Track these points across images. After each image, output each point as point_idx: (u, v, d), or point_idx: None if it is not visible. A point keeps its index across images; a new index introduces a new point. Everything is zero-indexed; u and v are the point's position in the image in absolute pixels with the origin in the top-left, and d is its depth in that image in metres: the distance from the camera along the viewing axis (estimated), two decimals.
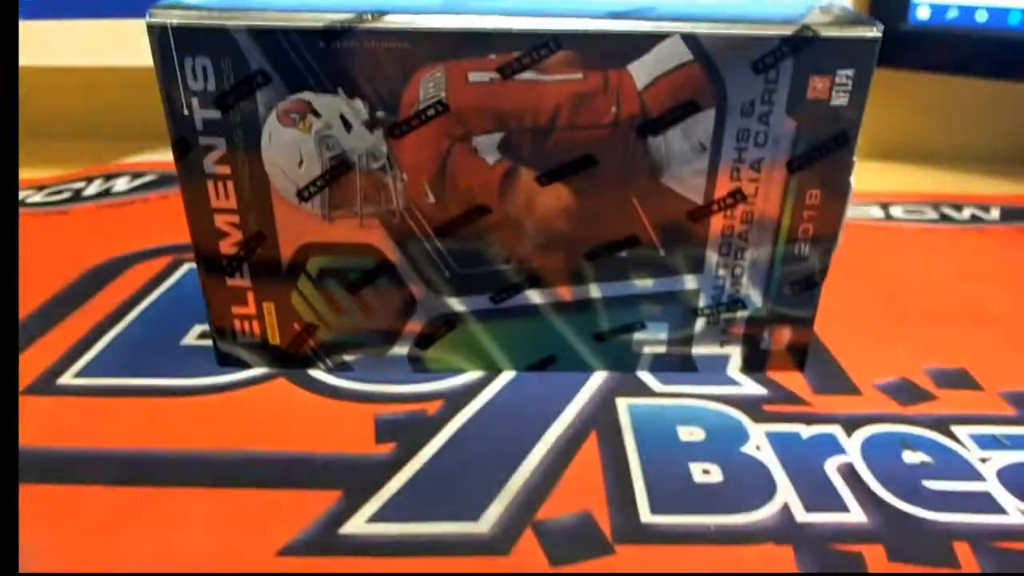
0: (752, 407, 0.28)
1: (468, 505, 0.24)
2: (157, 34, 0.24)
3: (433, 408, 0.28)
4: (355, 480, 0.25)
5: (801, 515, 0.24)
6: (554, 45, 0.24)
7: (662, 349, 0.30)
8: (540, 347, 0.30)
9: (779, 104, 0.25)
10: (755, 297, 0.29)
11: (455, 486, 0.25)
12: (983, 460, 0.26)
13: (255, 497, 0.24)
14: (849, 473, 0.25)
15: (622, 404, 0.28)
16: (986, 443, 0.27)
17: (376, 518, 0.23)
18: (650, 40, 0.24)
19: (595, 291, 0.28)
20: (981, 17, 0.49)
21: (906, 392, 0.30)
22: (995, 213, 0.48)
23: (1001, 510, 0.24)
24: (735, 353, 0.30)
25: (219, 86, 0.25)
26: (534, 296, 0.28)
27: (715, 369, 0.30)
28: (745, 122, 0.25)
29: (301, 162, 0.26)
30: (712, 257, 0.28)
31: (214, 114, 0.25)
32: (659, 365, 0.30)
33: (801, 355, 0.30)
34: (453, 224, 0.27)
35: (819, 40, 0.24)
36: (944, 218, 0.47)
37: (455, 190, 0.26)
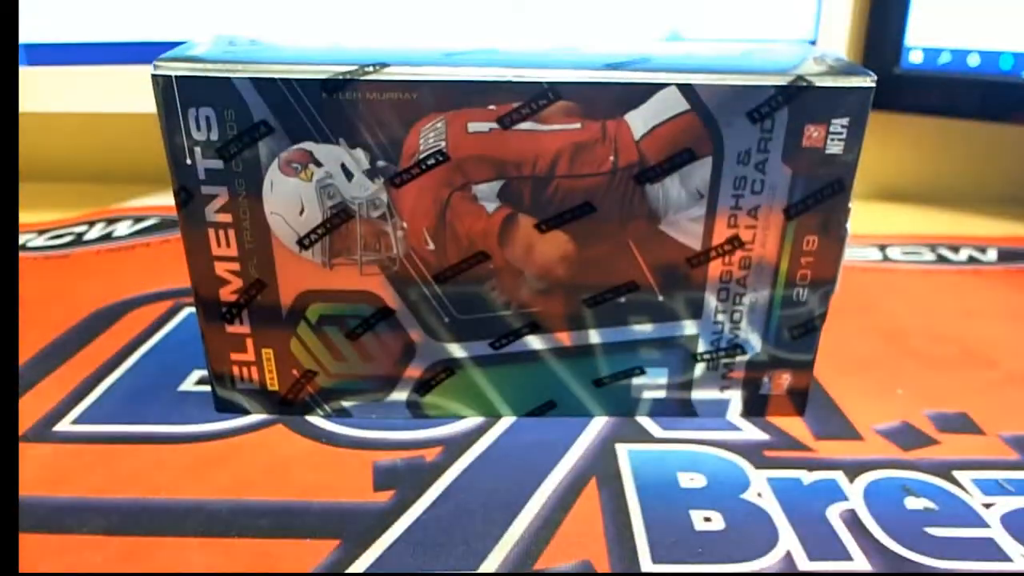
0: (753, 453, 0.28)
1: (467, 554, 0.24)
2: (161, 85, 0.24)
3: (432, 455, 0.28)
4: (354, 529, 0.25)
5: (804, 563, 0.23)
6: (552, 95, 0.25)
7: (662, 394, 0.30)
8: (540, 393, 0.30)
9: (775, 152, 0.26)
10: (754, 342, 0.29)
11: (454, 535, 0.24)
12: (986, 506, 0.26)
13: (253, 547, 0.24)
14: (852, 520, 0.25)
15: (622, 450, 0.28)
16: (989, 488, 0.27)
17: (375, 568, 0.23)
18: (647, 90, 0.25)
19: (595, 337, 0.28)
20: (973, 61, 0.49)
21: (907, 437, 0.30)
22: (992, 254, 0.48)
23: (1006, 557, 0.24)
24: (735, 398, 0.30)
25: (222, 136, 0.25)
26: (534, 342, 0.29)
27: (715, 414, 0.30)
28: (742, 170, 0.26)
29: (302, 211, 0.26)
30: (711, 302, 0.28)
31: (216, 163, 0.25)
32: (659, 410, 0.30)
33: (801, 400, 0.30)
34: (453, 271, 0.27)
35: (813, 90, 0.25)
36: (941, 259, 0.47)
37: (455, 237, 0.27)
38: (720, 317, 0.28)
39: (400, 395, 0.30)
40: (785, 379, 0.30)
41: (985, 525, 0.25)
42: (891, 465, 0.28)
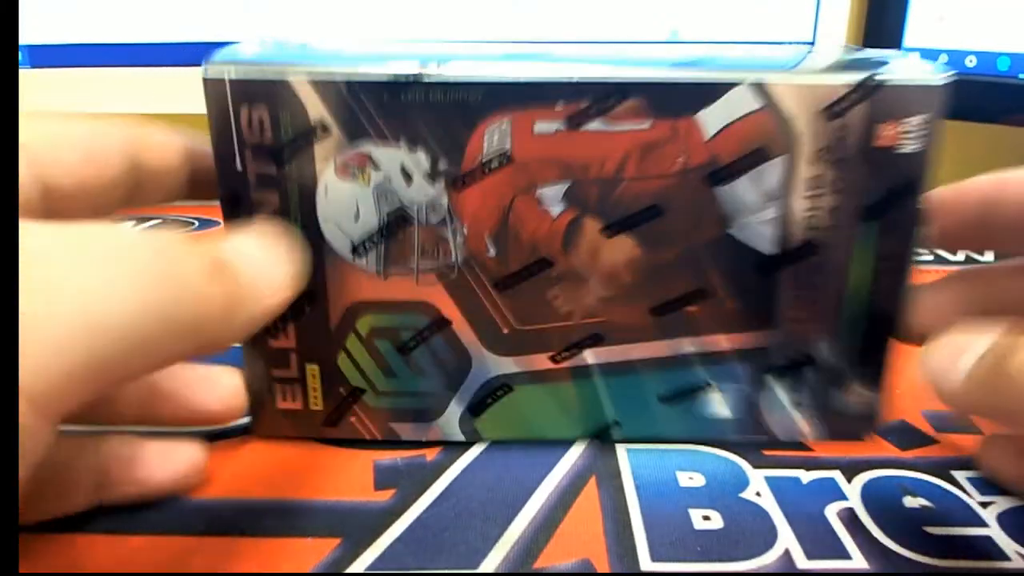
0: (752, 452, 0.28)
1: (467, 553, 0.24)
2: (213, 87, 0.24)
3: (432, 454, 0.28)
4: (354, 528, 0.25)
5: (802, 562, 0.23)
6: (621, 94, 0.24)
7: (732, 412, 0.28)
8: (602, 411, 0.28)
9: (850, 151, 0.25)
10: (828, 353, 0.27)
11: (454, 534, 0.24)
12: (984, 505, 0.26)
13: (253, 545, 0.24)
14: (850, 519, 0.25)
15: (621, 449, 0.28)
16: (987, 488, 0.27)
17: (375, 567, 0.23)
18: (718, 89, 0.24)
19: (661, 349, 0.27)
20: (970, 63, 0.50)
21: (906, 436, 0.30)
22: (989, 255, 0.48)
23: (1004, 556, 0.24)
24: (808, 415, 0.28)
25: (276, 139, 0.24)
26: (596, 355, 0.27)
27: (789, 434, 0.28)
28: (816, 169, 0.25)
29: (357, 216, 0.25)
30: (784, 311, 0.26)
31: (269, 168, 0.24)
32: (729, 429, 0.28)
33: (874, 417, 0.28)
34: (514, 278, 0.26)
35: (888, 87, 0.24)
36: (939, 260, 0.47)
37: (517, 242, 0.26)
38: (793, 327, 0.27)
39: (453, 415, 0.28)
40: (859, 394, 0.28)
41: (983, 524, 0.25)
42: (889, 464, 0.28)
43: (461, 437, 0.28)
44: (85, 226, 0.16)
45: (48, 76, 0.49)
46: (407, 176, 0.25)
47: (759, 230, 0.26)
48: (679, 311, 0.26)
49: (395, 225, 0.25)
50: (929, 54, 0.51)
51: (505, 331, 0.27)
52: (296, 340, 0.27)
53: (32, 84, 0.49)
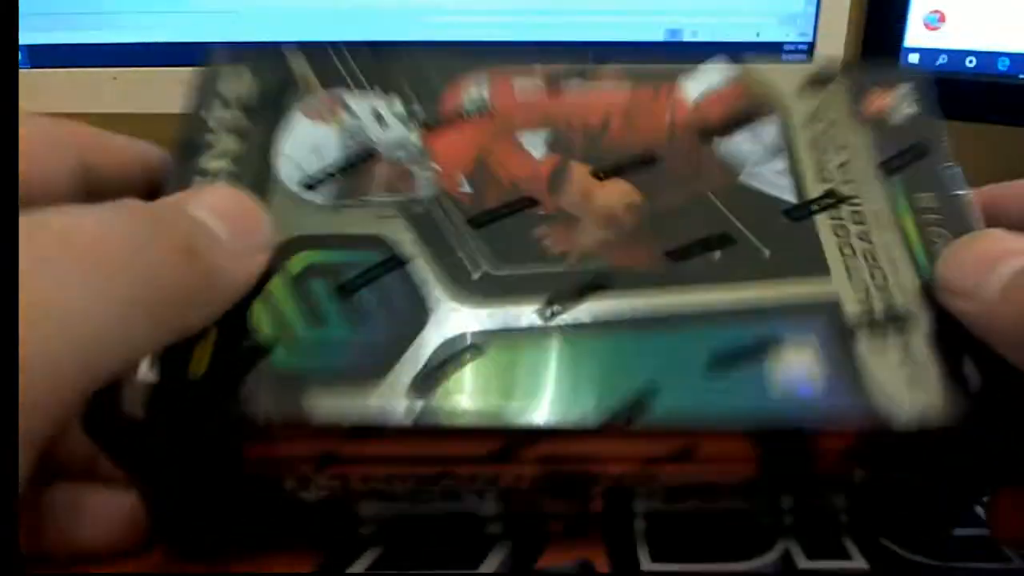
0: None
1: (468, 554, 0.23)
2: (211, 55, 0.25)
3: None
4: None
5: (803, 562, 0.23)
6: (599, 60, 0.25)
7: (817, 370, 0.20)
8: (629, 373, 0.19)
9: (843, 115, 0.25)
10: (919, 310, 0.21)
11: (454, 534, 0.24)
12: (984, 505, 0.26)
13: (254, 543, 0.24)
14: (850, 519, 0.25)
15: None
16: None
17: (376, 566, 0.23)
18: (695, 60, 0.25)
19: (693, 298, 0.21)
20: (970, 63, 0.50)
21: None
22: None
23: (1005, 557, 0.24)
24: (927, 390, 0.20)
25: (255, 91, 0.25)
26: (604, 307, 0.20)
27: (899, 400, 0.19)
28: (815, 128, 0.25)
29: (320, 155, 0.24)
30: (834, 256, 0.22)
31: (236, 113, 0.24)
32: (817, 394, 0.20)
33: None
34: (491, 214, 0.22)
35: (863, 65, 0.25)
36: None
37: (496, 181, 0.23)
38: (858, 276, 0.21)
39: (398, 380, 0.19)
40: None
41: (984, 524, 0.25)
42: None
43: (400, 414, 0.19)
44: (50, 230, 0.16)
45: (48, 76, 0.49)
46: (379, 118, 0.24)
47: (773, 179, 0.24)
48: (701, 256, 0.22)
49: (358, 159, 0.23)
50: (929, 54, 0.51)
51: (475, 276, 0.21)
52: None
53: (32, 84, 0.49)
